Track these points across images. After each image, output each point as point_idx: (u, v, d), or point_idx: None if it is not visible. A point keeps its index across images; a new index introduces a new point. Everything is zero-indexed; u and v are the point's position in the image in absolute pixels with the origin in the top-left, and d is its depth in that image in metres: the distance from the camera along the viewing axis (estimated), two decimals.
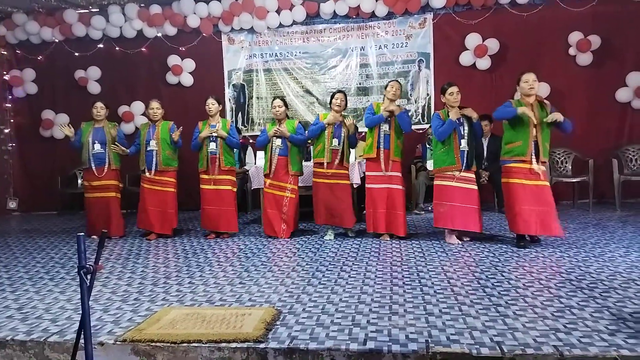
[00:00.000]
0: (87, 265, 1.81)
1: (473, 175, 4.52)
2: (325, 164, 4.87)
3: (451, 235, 4.58)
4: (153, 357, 2.45)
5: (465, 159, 4.44)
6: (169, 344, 2.43)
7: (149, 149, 5.22)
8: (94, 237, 5.31)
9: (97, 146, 5.24)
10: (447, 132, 4.43)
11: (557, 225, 4.17)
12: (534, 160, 4.15)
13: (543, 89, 6.53)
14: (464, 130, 4.47)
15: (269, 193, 5.09)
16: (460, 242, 4.54)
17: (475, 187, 4.51)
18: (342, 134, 4.89)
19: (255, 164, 6.39)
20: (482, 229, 4.55)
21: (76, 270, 3.99)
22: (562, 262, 3.73)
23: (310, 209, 5.42)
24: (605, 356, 2.15)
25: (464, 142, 4.46)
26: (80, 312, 2.86)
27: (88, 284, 1.81)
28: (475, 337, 2.39)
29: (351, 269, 3.75)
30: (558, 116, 4.13)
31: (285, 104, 5.17)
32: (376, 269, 3.73)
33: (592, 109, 6.68)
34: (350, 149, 5.10)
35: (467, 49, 6.80)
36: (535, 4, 6.67)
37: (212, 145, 5.07)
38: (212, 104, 5.11)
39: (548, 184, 4.28)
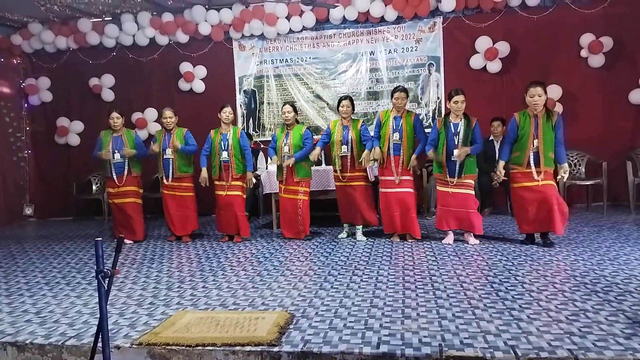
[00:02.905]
0: (105, 270, 1.84)
1: (469, 181, 4.60)
2: (338, 171, 5.05)
3: (446, 236, 4.76)
4: None
5: (456, 169, 4.52)
6: (184, 347, 2.46)
7: (165, 157, 5.34)
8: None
9: (117, 156, 5.34)
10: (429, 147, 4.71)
11: (560, 223, 4.24)
12: (533, 170, 4.26)
13: (555, 92, 6.50)
14: (458, 140, 4.51)
15: (284, 198, 5.20)
16: (451, 243, 4.66)
17: (471, 192, 4.60)
18: (350, 140, 4.96)
19: (266, 169, 6.44)
20: (481, 230, 4.65)
21: (92, 275, 4.10)
22: (577, 266, 3.70)
23: (322, 213, 5.50)
24: None
25: (457, 152, 4.51)
26: (97, 316, 2.92)
27: (106, 288, 1.85)
28: (489, 341, 2.38)
29: (363, 273, 3.76)
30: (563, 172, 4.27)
31: (295, 110, 5.23)
32: (388, 273, 3.73)
33: (606, 111, 6.62)
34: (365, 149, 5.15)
35: (478, 52, 6.79)
36: (546, 6, 6.64)
37: (225, 154, 5.14)
38: (229, 112, 5.21)
39: (552, 182, 4.30)
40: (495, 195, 6.40)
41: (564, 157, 4.31)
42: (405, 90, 4.85)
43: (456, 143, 4.52)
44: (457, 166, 4.52)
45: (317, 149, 5.02)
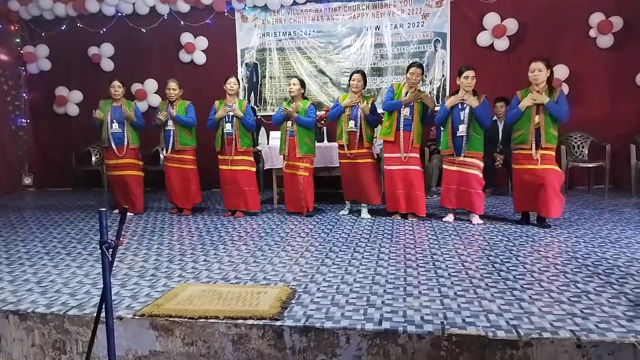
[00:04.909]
0: (109, 241, 1.82)
1: (474, 160, 4.53)
2: (345, 146, 4.96)
3: (447, 214, 4.79)
4: (171, 332, 2.49)
5: (461, 144, 4.48)
6: (186, 319, 2.47)
7: (167, 128, 5.29)
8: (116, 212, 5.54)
9: (115, 125, 5.27)
10: (440, 117, 4.62)
11: (555, 206, 4.25)
12: (533, 147, 4.23)
13: (562, 72, 6.41)
14: (464, 115, 4.47)
15: (286, 173, 5.17)
16: (451, 221, 4.71)
17: (476, 172, 4.54)
18: (359, 116, 4.89)
19: (268, 144, 6.38)
20: (482, 211, 4.64)
21: (92, 245, 4.10)
22: (578, 248, 3.70)
23: (324, 190, 5.46)
24: (623, 342, 2.14)
25: (462, 127, 4.48)
26: (98, 287, 2.92)
27: (110, 258, 1.83)
28: (491, 320, 2.39)
29: (364, 250, 3.76)
30: (539, 98, 4.14)
31: (302, 84, 5.15)
32: (389, 251, 3.73)
33: (611, 93, 6.55)
34: (372, 129, 5.09)
35: (485, 29, 6.67)
36: None
37: (228, 126, 5.06)
38: (234, 83, 5.11)
39: (552, 166, 4.27)
40: (497, 176, 6.37)
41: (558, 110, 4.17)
42: (421, 67, 4.76)
43: (462, 119, 4.47)
44: (463, 142, 4.47)
45: (367, 105, 4.85)
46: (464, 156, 4.51)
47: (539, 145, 4.22)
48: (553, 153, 4.30)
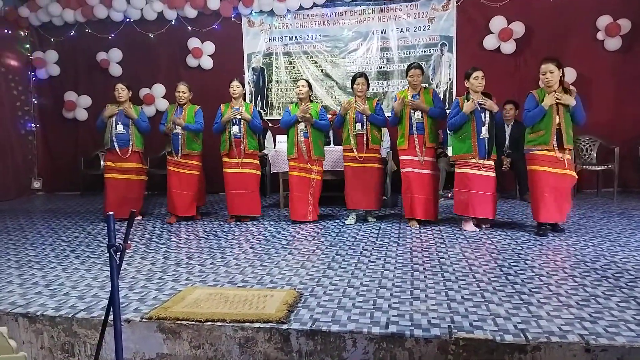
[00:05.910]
0: (117, 244, 1.83)
1: (492, 163, 4.47)
2: (355, 149, 4.88)
3: (468, 222, 4.55)
4: (178, 335, 2.50)
5: (484, 147, 4.40)
6: (194, 323, 2.48)
7: (174, 132, 5.24)
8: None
9: (120, 127, 5.26)
10: (459, 123, 4.45)
11: (567, 211, 4.24)
12: (556, 148, 4.11)
13: (569, 74, 6.37)
14: (485, 117, 4.40)
15: (295, 176, 5.04)
16: (477, 230, 4.49)
17: (493, 175, 4.47)
18: (365, 117, 4.86)
19: (274, 148, 6.40)
20: (494, 215, 4.52)
21: (101, 249, 4.13)
22: (587, 251, 3.67)
23: (331, 193, 5.43)
24: (633, 346, 2.12)
25: (484, 130, 4.39)
26: (107, 290, 2.94)
27: (118, 262, 1.84)
28: (499, 324, 2.38)
29: (371, 254, 3.76)
30: (565, 99, 4.05)
31: (310, 86, 5.15)
32: (396, 254, 3.72)
33: (620, 96, 6.50)
34: (379, 130, 5.01)
35: (492, 33, 6.65)
36: None
37: (235, 129, 5.06)
38: (236, 86, 5.11)
39: (573, 173, 4.20)
40: (505, 179, 6.34)
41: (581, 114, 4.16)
42: (420, 67, 4.74)
43: (484, 120, 4.39)
44: (487, 145, 4.38)
45: (366, 107, 4.77)
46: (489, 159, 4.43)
47: (562, 147, 4.10)
48: (570, 155, 4.20)
